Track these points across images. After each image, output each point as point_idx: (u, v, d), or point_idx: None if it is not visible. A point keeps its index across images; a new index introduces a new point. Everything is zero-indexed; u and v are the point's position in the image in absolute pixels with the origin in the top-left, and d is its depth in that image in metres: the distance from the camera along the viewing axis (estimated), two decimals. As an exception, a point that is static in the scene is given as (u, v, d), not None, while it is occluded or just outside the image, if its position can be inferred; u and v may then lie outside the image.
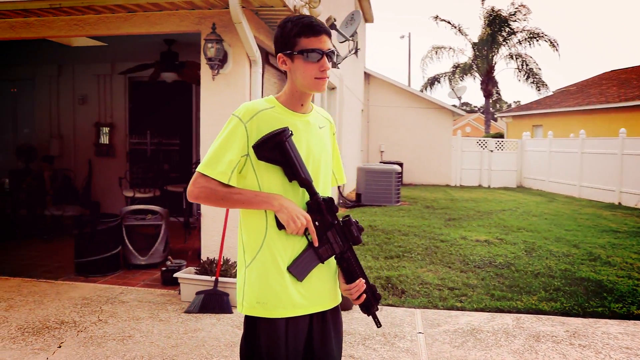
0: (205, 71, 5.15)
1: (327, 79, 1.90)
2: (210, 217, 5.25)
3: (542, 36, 24.40)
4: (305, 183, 1.88)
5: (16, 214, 7.98)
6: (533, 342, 4.21)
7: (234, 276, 4.89)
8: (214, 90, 5.23)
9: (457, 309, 5.00)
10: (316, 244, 1.90)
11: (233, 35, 5.02)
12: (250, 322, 1.93)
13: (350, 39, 8.07)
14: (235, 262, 5.03)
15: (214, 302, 4.71)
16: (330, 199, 1.92)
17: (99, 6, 4.95)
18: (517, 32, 24.82)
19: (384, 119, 19.43)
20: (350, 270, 1.96)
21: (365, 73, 19.06)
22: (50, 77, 9.79)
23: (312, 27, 1.86)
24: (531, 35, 24.58)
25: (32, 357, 3.65)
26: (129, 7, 5.03)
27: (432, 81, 26.97)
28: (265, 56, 6.37)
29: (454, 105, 21.60)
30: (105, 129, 9.67)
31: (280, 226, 1.87)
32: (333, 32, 8.00)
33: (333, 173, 2.17)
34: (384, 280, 5.74)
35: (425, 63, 26.56)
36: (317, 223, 1.91)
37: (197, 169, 1.86)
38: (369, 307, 2.02)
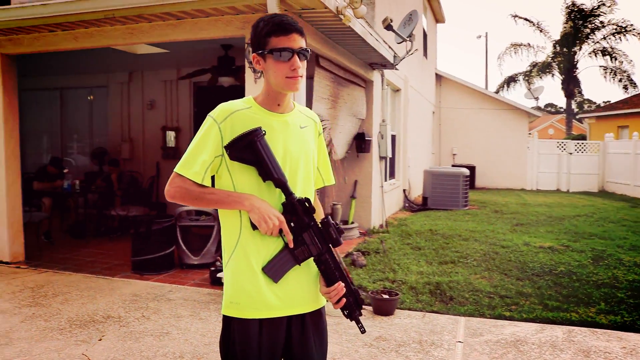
0: (248, 75, 5.22)
1: (299, 78, 1.86)
2: (255, 218, 5.31)
3: (631, 30, 22.93)
4: (279, 183, 1.85)
5: (86, 214, 8.45)
6: (581, 357, 3.94)
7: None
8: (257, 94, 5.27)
9: (505, 318, 4.77)
10: (291, 245, 1.87)
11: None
12: (226, 322, 1.92)
13: (408, 39, 7.94)
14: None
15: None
16: (306, 200, 1.88)
17: (148, 14, 5.14)
18: (602, 26, 23.47)
19: (456, 121, 18.96)
20: (328, 273, 1.91)
21: (436, 74, 18.69)
22: (121, 84, 10.30)
23: (282, 26, 1.83)
24: (618, 29, 23.17)
25: (73, 347, 3.84)
26: (177, 14, 5.19)
27: (509, 81, 26.04)
28: (316, 59, 6.38)
29: (537, 107, 20.70)
30: (172, 133, 10.05)
31: (254, 226, 1.85)
32: (390, 33, 7.90)
33: (320, 174, 2.13)
34: (433, 286, 5.58)
35: (503, 61, 25.70)
36: (292, 224, 1.87)
37: (174, 169, 1.88)
38: (351, 312, 1.96)
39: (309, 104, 6.31)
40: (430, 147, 17.67)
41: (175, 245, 6.40)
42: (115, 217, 8.32)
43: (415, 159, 13.61)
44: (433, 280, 5.77)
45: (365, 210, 8.93)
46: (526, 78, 25.61)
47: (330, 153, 7.09)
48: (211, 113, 1.90)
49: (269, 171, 1.83)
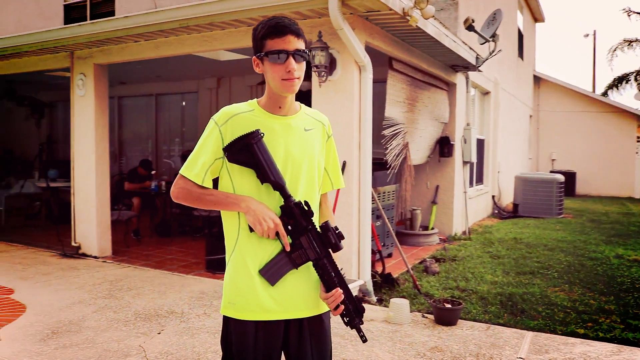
0: (313, 78, 5.25)
1: (295, 80, 1.85)
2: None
3: None
4: (277, 186, 1.84)
5: (172, 213, 8.88)
6: (658, 382, 3.57)
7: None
8: (323, 98, 5.30)
9: (578, 336, 4.43)
10: (287, 249, 1.85)
11: (341, 42, 5.05)
12: (225, 321, 1.95)
13: (491, 39, 7.63)
14: (341, 267, 5.03)
15: (312, 306, 4.76)
16: (305, 203, 1.85)
17: (219, 22, 5.32)
18: None
19: (556, 125, 17.93)
20: (326, 279, 1.87)
21: (534, 76, 17.80)
22: (210, 89, 10.75)
23: (276, 28, 1.82)
24: None
25: (133, 339, 4.04)
26: (246, 21, 5.33)
27: (619, 81, 24.17)
28: (389, 62, 6.30)
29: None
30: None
31: (251, 228, 1.85)
32: (472, 34, 7.64)
33: (329, 176, 2.09)
34: (505, 297, 5.30)
35: (614, 55, 23.77)
36: (290, 227, 1.85)
37: (179, 171, 1.93)
38: (350, 319, 1.90)
39: (382, 107, 6.25)
40: (527, 152, 16.84)
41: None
42: (199, 217, 8.68)
43: (506, 164, 13.02)
44: (506, 291, 5.49)
45: (446, 216, 8.67)
46: (638, 77, 23.68)
47: (405, 158, 6.96)
48: (214, 116, 1.93)
49: (265, 174, 1.83)
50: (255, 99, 1.97)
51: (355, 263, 5.21)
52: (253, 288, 1.86)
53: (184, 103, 11.54)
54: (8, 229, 8.67)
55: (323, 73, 5.09)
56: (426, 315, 4.80)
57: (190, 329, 4.32)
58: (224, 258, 6.63)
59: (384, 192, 6.84)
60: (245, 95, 10.39)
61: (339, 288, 1.86)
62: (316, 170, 1.99)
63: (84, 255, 7.00)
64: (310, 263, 1.88)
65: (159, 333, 4.19)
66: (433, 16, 5.25)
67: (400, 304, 4.63)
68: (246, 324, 1.88)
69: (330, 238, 1.86)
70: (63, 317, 4.53)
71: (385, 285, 5.60)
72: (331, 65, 5.18)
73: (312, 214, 1.86)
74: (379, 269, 5.90)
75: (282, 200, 1.87)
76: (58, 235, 7.24)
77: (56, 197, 9.47)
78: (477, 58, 7.82)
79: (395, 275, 5.87)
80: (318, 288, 1.93)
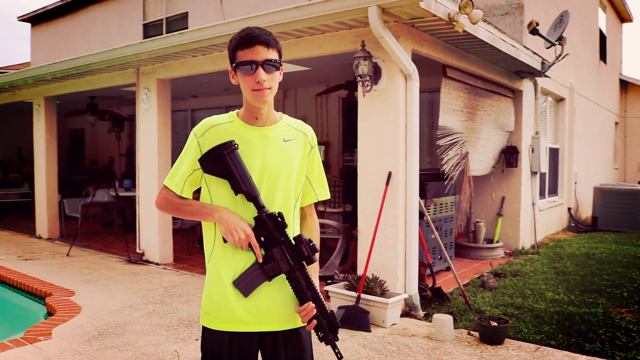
0: (359, 88, 5.21)
1: (265, 90, 1.84)
2: (365, 233, 5.25)
3: None
4: (249, 197, 1.84)
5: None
6: None
7: (380, 294, 4.81)
8: (368, 107, 5.25)
9: (638, 361, 4.08)
10: (260, 260, 1.84)
11: (385, 51, 4.98)
12: (202, 330, 1.97)
13: (557, 43, 7.28)
14: (383, 280, 4.94)
15: (354, 319, 4.69)
16: (278, 214, 1.83)
17: (267, 34, 5.39)
18: None
19: (647, 132, 16.75)
20: (298, 292, 1.85)
21: (621, 80, 16.73)
22: (277, 101, 10.91)
23: (245, 39, 1.83)
24: None
25: (171, 344, 4.15)
26: (293, 33, 5.38)
27: None
28: (442, 69, 6.14)
29: None
30: (321, 147, 10.39)
31: (224, 239, 1.85)
32: (536, 37, 7.32)
33: (312, 188, 2.05)
34: (563, 317, 4.98)
35: None
36: (262, 239, 1.84)
37: (164, 181, 1.97)
38: (324, 335, 1.85)
39: (436, 116, 6.10)
40: (612, 161, 15.82)
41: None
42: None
43: (586, 175, 12.29)
44: (565, 310, 5.16)
45: (513, 228, 8.30)
46: None
47: (464, 169, 6.74)
48: (194, 127, 1.96)
49: (237, 184, 1.84)
50: (236, 110, 1.98)
51: (401, 276, 5.08)
52: (226, 299, 1.87)
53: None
54: (85, 236, 9.20)
55: (367, 83, 5.04)
56: (472, 332, 4.60)
57: (228, 337, 4.37)
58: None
59: (440, 204, 6.65)
60: (311, 106, 10.49)
61: (310, 302, 1.83)
62: (294, 182, 1.96)
63: (147, 262, 7.30)
64: (284, 275, 1.86)
65: (197, 339, 4.28)
66: (482, 20, 5.06)
67: (443, 320, 4.47)
68: (220, 334, 1.90)
69: (303, 251, 1.83)
70: (112, 320, 4.74)
71: (435, 299, 5.43)
72: (377, 75, 5.12)
73: (285, 225, 1.83)
74: (431, 282, 5.73)
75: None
76: (126, 242, 7.59)
77: (129, 205, 9.97)
78: (542, 63, 7.46)
79: (449, 290, 5.68)
80: (294, 301, 1.90)
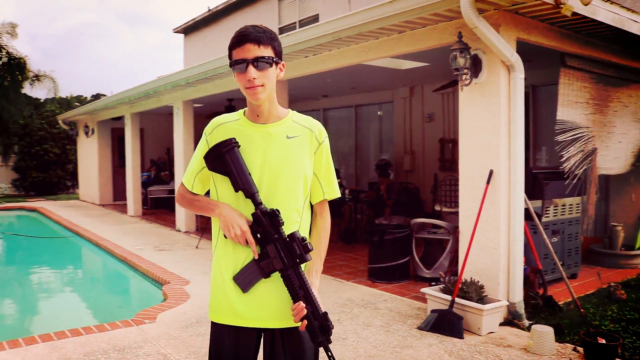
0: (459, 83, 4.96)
1: (257, 88, 1.85)
2: (466, 234, 4.99)
3: None
4: (247, 194, 1.87)
5: (356, 221, 9.13)
6: None
7: (478, 299, 4.55)
8: (468, 102, 4.98)
9: None
10: (256, 257, 1.87)
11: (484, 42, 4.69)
12: (211, 323, 2.02)
13: None
14: (481, 284, 4.66)
15: (446, 323, 4.49)
16: (274, 211, 1.83)
17: (366, 32, 5.36)
18: None
19: None
20: (290, 291, 1.83)
21: None
22: (404, 98, 10.79)
23: (237, 38, 1.86)
24: None
25: (258, 339, 4.30)
26: (393, 28, 5.27)
27: None
28: (560, 58, 5.63)
29: None
30: (449, 145, 10.05)
31: (225, 234, 1.89)
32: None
33: (320, 185, 2.01)
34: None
35: None
36: (259, 235, 1.86)
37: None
38: (313, 337, 1.80)
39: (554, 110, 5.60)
40: None
41: (410, 256, 6.44)
42: (380, 225, 8.77)
43: None
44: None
45: (662, 234, 7.33)
46: None
47: (591, 166, 6.11)
48: (206, 126, 2.02)
49: (235, 182, 1.87)
50: (244, 109, 2.01)
51: (503, 281, 4.75)
52: (226, 293, 1.92)
53: (379, 113, 11.80)
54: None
55: (465, 76, 4.78)
56: (578, 348, 4.16)
57: (314, 333, 4.41)
58: (386, 267, 6.65)
59: (563, 205, 6.09)
60: (438, 102, 10.20)
61: (301, 302, 1.80)
62: (300, 179, 1.94)
63: (266, 257, 7.61)
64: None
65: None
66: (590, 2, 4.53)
67: (542, 332, 4.10)
68: (221, 327, 1.95)
69: (295, 249, 1.81)
70: (213, 310, 5.02)
71: (546, 309, 4.99)
72: (477, 67, 4.83)
73: (281, 222, 1.82)
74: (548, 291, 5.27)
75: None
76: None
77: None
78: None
79: (567, 300, 5.19)
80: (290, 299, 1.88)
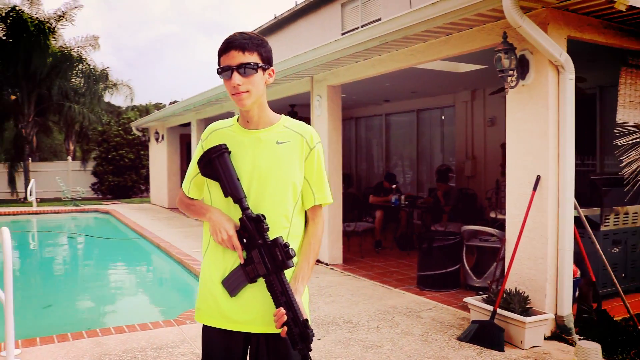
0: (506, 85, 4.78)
1: (242, 94, 1.87)
2: (512, 242, 4.79)
3: None
4: (234, 199, 1.90)
5: (413, 227, 8.98)
6: None
7: (521, 311, 4.35)
8: (514, 105, 4.81)
9: None
10: (241, 261, 1.89)
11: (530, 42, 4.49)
12: (202, 327, 2.05)
13: None
14: (526, 295, 4.45)
15: (486, 335, 4.32)
16: (259, 217, 1.84)
17: (412, 35, 5.27)
18: None
19: None
20: (272, 296, 1.84)
21: None
22: (465, 102, 10.53)
23: (223, 45, 1.89)
24: None
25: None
26: (439, 30, 5.16)
27: None
28: (621, 56, 5.31)
29: None
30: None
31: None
32: None
33: (312, 191, 1.99)
34: None
35: None
36: (245, 240, 1.88)
37: None
38: (293, 343, 1.79)
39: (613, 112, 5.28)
40: None
41: (461, 264, 6.26)
42: (435, 231, 8.58)
43: None
44: None
45: None
46: None
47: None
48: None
49: (224, 187, 1.91)
50: (239, 115, 2.04)
51: (550, 293, 4.52)
52: (214, 295, 1.94)
53: (442, 117, 11.56)
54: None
55: (511, 78, 4.60)
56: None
57: (350, 340, 4.38)
58: (433, 275, 6.57)
59: (625, 214, 5.72)
60: (500, 107, 9.86)
61: (282, 308, 1.79)
62: (288, 184, 1.94)
63: (319, 262, 7.64)
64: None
65: (319, 339, 4.37)
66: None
67: (588, 349, 3.85)
68: (210, 330, 1.98)
69: (277, 255, 1.81)
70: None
71: (600, 324, 4.70)
72: (524, 68, 4.64)
73: (266, 228, 1.83)
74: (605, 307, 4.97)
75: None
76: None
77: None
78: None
79: (625, 316, 4.87)
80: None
